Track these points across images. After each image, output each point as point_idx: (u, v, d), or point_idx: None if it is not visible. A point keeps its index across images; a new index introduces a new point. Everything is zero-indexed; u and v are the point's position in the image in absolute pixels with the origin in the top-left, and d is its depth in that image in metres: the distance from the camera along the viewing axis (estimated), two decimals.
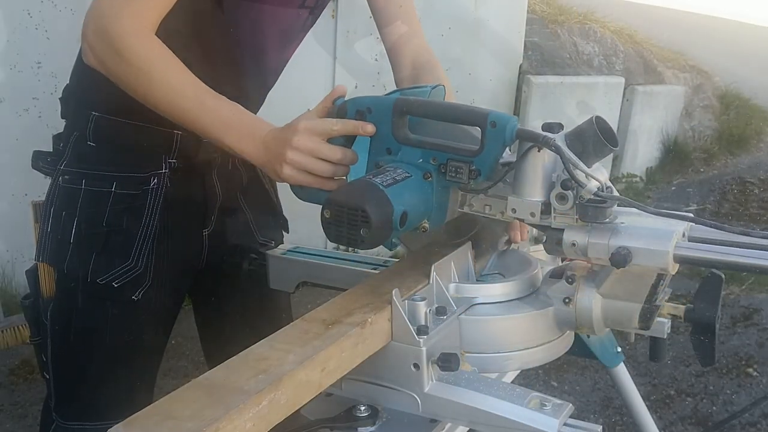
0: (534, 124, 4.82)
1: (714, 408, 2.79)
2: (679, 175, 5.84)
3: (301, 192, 1.11)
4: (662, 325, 1.21)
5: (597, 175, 0.90)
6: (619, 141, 0.92)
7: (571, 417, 0.80)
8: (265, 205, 1.49)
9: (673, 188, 5.63)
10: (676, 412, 2.77)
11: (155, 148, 1.29)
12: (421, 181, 0.98)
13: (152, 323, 1.37)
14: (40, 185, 1.48)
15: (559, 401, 0.81)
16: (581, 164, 0.88)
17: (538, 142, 0.90)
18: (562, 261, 1.14)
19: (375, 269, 1.12)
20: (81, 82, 1.34)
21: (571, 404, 0.81)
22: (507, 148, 0.95)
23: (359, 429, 0.86)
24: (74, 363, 1.35)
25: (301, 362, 0.75)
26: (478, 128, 0.95)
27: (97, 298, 1.30)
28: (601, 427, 0.79)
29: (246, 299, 1.46)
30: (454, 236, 1.09)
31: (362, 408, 0.87)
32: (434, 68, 1.40)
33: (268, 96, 1.49)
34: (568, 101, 5.01)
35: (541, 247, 1.14)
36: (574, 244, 0.91)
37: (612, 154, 0.97)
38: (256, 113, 1.46)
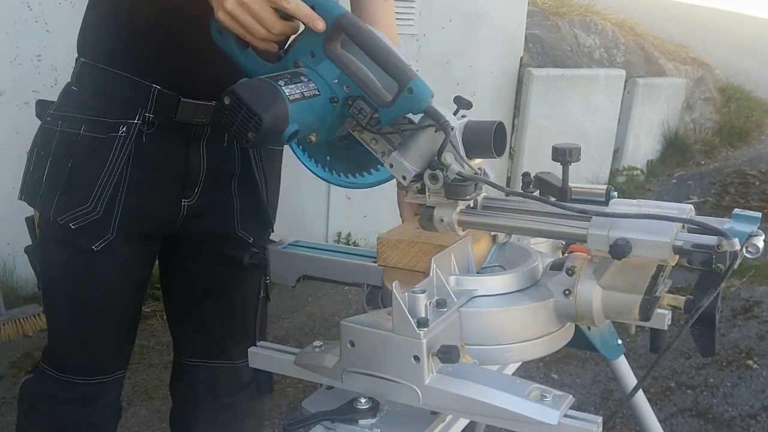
0: (535, 116, 4.79)
1: (714, 400, 2.79)
2: (680, 167, 5.83)
3: (221, 39, 1.11)
4: (662, 317, 1.21)
5: (471, 162, 0.98)
6: (506, 148, 1.00)
7: (571, 409, 0.81)
8: (252, 200, 1.47)
9: (673, 181, 5.63)
10: (676, 405, 2.78)
11: (131, 98, 1.31)
12: (327, 102, 1.01)
13: (120, 277, 1.40)
14: None
15: (559, 393, 0.81)
16: (461, 152, 0.96)
17: (438, 123, 0.96)
18: (563, 253, 1.14)
19: (375, 263, 1.12)
20: (81, 29, 1.38)
21: (571, 396, 0.81)
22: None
23: (360, 421, 0.86)
24: (50, 306, 1.44)
25: None
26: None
27: (60, 240, 1.35)
28: (601, 418, 0.80)
29: (218, 278, 1.47)
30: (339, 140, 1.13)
31: (363, 400, 0.87)
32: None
33: None
34: (569, 94, 5.00)
35: (541, 239, 1.14)
36: (442, 220, 1.00)
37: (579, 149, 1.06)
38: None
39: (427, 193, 1.00)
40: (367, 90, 1.00)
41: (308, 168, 1.16)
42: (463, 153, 0.97)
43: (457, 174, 0.96)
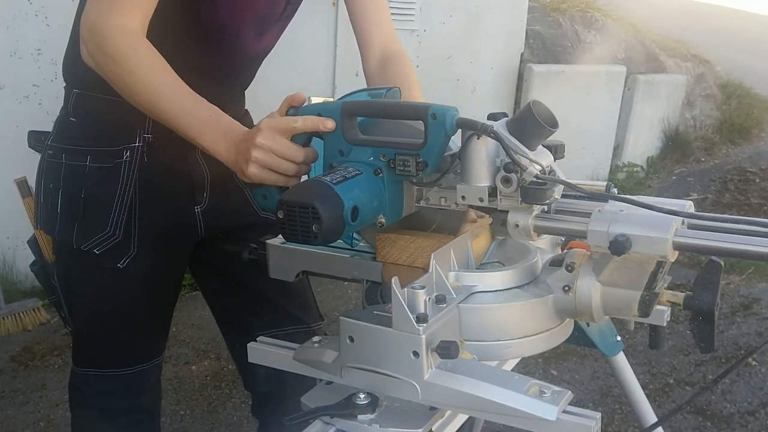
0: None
1: (713, 397, 2.80)
2: (680, 164, 5.83)
3: (265, 202, 1.15)
4: (662, 313, 1.21)
5: (540, 158, 0.93)
6: (559, 122, 0.93)
7: (570, 405, 0.81)
8: None
9: (673, 178, 5.63)
10: (675, 401, 2.78)
11: (129, 122, 1.34)
12: (373, 177, 1.02)
13: (147, 290, 1.44)
14: None
15: (558, 388, 0.81)
16: (522, 147, 0.92)
17: (477, 130, 0.94)
18: (562, 249, 1.14)
19: (375, 258, 1.12)
20: (66, 61, 1.43)
21: (570, 392, 0.81)
22: (452, 139, 0.98)
23: (359, 417, 0.87)
24: (82, 319, 1.48)
25: None
26: (422, 122, 0.98)
27: (86, 265, 1.39)
28: (600, 414, 0.80)
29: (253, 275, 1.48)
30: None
31: (362, 396, 0.88)
32: (401, 58, 1.44)
33: (271, 87, 1.49)
34: (570, 90, 5.00)
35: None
36: (517, 225, 0.94)
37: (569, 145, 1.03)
38: (235, 107, 1.48)
39: (498, 197, 0.95)
40: (398, 145, 1.01)
41: None
42: (522, 147, 0.92)
43: (534, 176, 0.91)
